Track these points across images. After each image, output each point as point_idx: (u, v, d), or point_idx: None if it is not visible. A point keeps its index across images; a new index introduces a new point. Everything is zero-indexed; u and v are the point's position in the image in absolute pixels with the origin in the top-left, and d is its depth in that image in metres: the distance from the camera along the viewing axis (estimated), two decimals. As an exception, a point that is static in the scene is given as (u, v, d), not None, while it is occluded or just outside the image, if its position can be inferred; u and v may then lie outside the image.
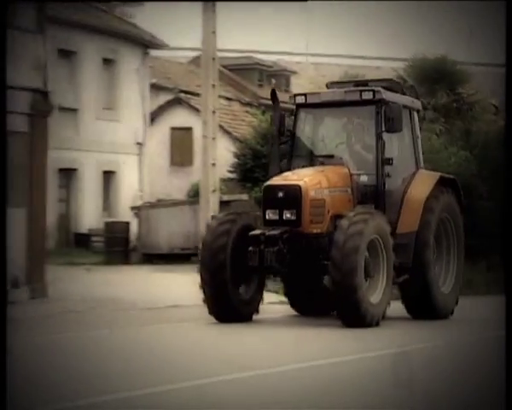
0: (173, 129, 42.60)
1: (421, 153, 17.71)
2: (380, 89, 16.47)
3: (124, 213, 35.58)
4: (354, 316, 15.07)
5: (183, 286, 21.74)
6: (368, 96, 16.31)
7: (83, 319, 16.53)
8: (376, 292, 15.53)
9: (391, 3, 74.94)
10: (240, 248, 15.65)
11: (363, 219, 15.20)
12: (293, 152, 17.41)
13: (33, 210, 20.62)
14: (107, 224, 33.97)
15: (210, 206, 29.37)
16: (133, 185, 38.19)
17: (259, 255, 15.43)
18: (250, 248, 15.54)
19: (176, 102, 42.57)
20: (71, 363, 11.75)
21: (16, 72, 19.85)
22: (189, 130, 40.99)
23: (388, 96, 16.49)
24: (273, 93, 17.11)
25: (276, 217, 15.73)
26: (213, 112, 29.36)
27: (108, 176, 37.71)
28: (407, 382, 9.78)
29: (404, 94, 17.68)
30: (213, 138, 29.23)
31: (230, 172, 34.59)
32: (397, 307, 17.01)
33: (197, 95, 35.57)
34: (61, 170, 33.55)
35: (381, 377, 10.58)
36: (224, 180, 32.44)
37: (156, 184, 39.67)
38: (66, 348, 13.34)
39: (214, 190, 29.20)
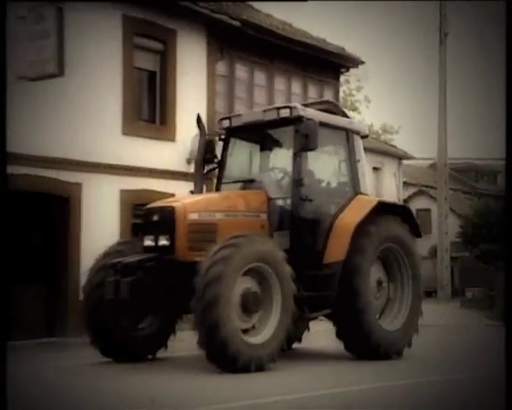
0: (418, 210, 42.25)
1: (363, 177, 11.09)
2: (297, 105, 10.51)
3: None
4: (225, 361, 8.66)
5: (426, 312, 21.59)
6: (285, 113, 10.35)
7: None
8: (264, 331, 9.09)
9: None
10: None
11: (225, 255, 8.65)
12: (221, 178, 11.17)
13: None
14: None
15: (444, 260, 29.21)
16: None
17: (115, 287, 9.27)
18: (108, 279, 9.48)
19: (420, 193, 42.45)
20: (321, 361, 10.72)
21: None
22: (428, 211, 40.63)
23: (308, 113, 10.35)
24: (198, 119, 10.99)
25: (153, 243, 9.56)
26: (445, 198, 29.36)
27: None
28: None
29: (345, 116, 11.48)
30: (446, 216, 29.20)
31: (457, 237, 34.11)
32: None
33: (434, 188, 35.46)
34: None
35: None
36: (453, 243, 32.07)
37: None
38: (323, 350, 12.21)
39: (447, 250, 29.07)
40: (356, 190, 10.82)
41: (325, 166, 11.32)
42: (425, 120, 73.25)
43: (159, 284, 9.37)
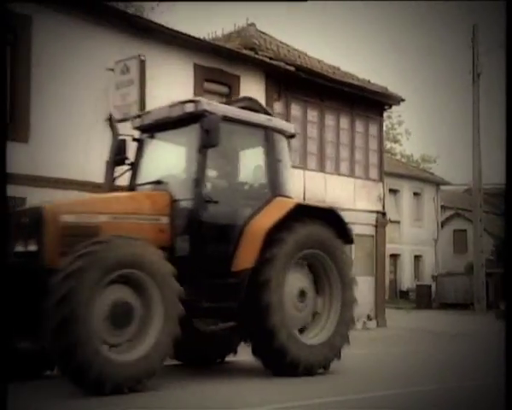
0: (455, 231, 41.85)
1: (285, 179, 8.92)
2: (201, 99, 8.43)
3: (427, 279, 35.31)
4: (90, 386, 6.51)
5: (464, 323, 21.36)
6: (190, 108, 8.25)
7: (404, 339, 16.59)
8: (142, 344, 6.91)
9: None
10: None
11: (80, 266, 6.51)
12: (134, 181, 8.93)
13: (378, 277, 20.80)
14: (417, 285, 33.93)
15: (480, 275, 28.74)
16: (431, 264, 37.75)
17: None
18: None
19: (456, 215, 41.91)
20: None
21: (366, 204, 20.88)
22: (464, 231, 40.13)
23: (212, 107, 8.23)
24: (110, 119, 8.40)
25: (23, 248, 7.24)
26: (480, 220, 28.92)
27: (417, 258, 37.58)
28: None
29: (267, 114, 9.14)
30: (480, 236, 28.74)
31: (491, 255, 33.53)
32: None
33: (469, 211, 34.97)
34: (391, 255, 33.65)
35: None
36: (487, 260, 31.52)
37: (445, 263, 39.05)
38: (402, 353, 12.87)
39: (482, 266, 28.60)
40: (275, 192, 8.68)
41: (240, 166, 9.18)
42: (460, 149, 72.24)
43: (21, 295, 6.95)
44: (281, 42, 19.87)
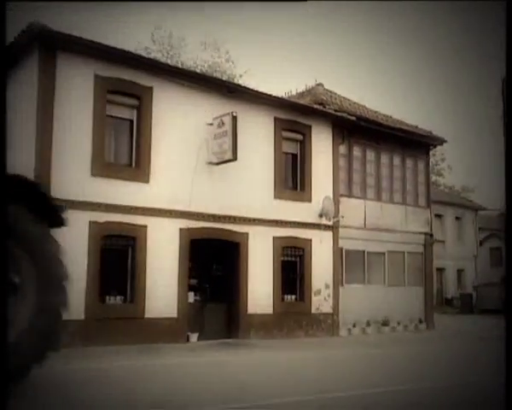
0: (491, 248, 39.92)
1: None
2: None
3: (469, 289, 33.89)
4: None
5: (498, 325, 20.36)
6: None
7: (446, 338, 16.01)
8: None
9: None
10: None
11: None
12: None
13: (427, 288, 20.05)
14: (460, 294, 32.65)
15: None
16: (472, 276, 36.17)
17: None
18: None
19: (492, 235, 40.13)
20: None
21: (416, 227, 20.24)
22: (499, 249, 38.26)
23: None
24: None
25: None
26: None
27: (460, 271, 36.16)
28: None
29: None
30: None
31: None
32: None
33: (503, 231, 33.43)
34: (437, 269, 32.22)
35: None
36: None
37: (483, 275, 37.27)
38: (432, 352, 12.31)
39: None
40: None
41: None
42: (495, 180, 69.39)
43: None
44: (344, 97, 19.86)
